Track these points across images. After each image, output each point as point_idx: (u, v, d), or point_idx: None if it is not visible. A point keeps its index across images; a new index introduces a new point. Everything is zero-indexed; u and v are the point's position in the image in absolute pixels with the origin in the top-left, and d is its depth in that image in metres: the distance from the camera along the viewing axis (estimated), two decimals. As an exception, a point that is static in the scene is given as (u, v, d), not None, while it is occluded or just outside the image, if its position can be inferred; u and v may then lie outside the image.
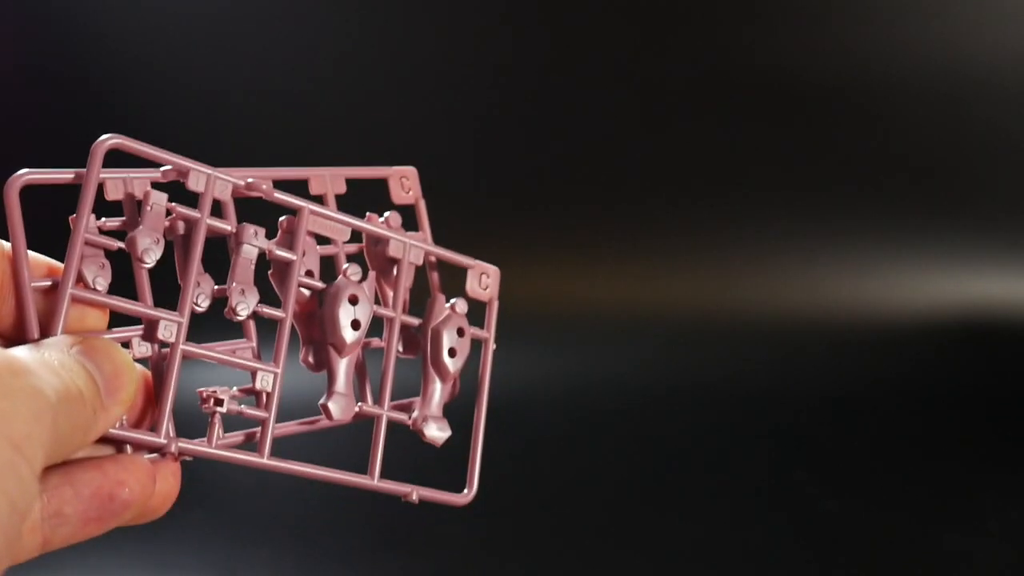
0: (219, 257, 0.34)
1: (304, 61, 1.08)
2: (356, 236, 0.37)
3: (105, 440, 0.30)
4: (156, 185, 0.32)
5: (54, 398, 0.25)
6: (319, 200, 0.37)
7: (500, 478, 0.90)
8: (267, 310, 0.33)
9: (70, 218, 0.30)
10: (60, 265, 0.30)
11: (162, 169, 0.32)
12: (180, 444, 0.32)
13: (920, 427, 0.99)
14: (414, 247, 0.37)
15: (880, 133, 1.17)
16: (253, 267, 0.33)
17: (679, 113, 1.14)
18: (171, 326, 0.31)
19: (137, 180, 0.32)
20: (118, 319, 0.32)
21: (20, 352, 0.27)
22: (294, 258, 0.34)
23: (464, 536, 0.82)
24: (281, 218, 0.35)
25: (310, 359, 0.36)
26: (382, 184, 0.40)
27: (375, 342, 0.37)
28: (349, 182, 0.38)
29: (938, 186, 1.17)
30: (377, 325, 0.36)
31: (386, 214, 0.38)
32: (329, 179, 0.38)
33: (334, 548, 0.81)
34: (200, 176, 0.32)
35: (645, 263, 1.14)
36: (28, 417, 0.24)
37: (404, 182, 0.40)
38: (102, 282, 0.31)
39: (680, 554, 0.80)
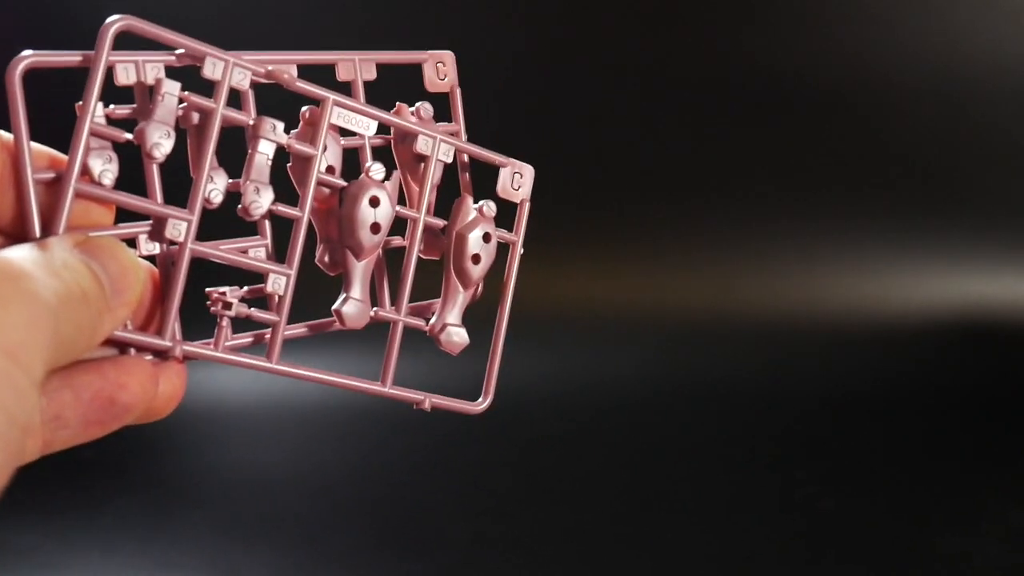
0: (234, 149, 0.32)
1: None
2: (384, 128, 0.34)
3: (109, 342, 0.28)
4: (169, 71, 0.30)
5: (54, 301, 0.24)
6: (346, 87, 0.34)
7: (500, 478, 0.91)
8: (283, 209, 0.32)
9: (76, 105, 0.28)
10: (63, 157, 0.28)
11: (176, 53, 0.30)
12: (185, 347, 0.30)
13: (920, 427, 0.99)
14: (443, 143, 0.34)
15: (880, 133, 1.17)
16: (270, 164, 0.31)
17: (679, 113, 1.14)
18: (180, 225, 0.30)
19: (149, 65, 0.30)
20: (124, 214, 0.30)
21: (18, 253, 0.25)
22: (314, 153, 0.32)
23: (464, 536, 0.82)
24: (303, 109, 0.33)
25: (326, 259, 0.34)
26: (416, 72, 0.36)
27: (396, 241, 0.35)
28: (380, 68, 0.35)
29: (938, 186, 1.17)
30: (400, 223, 0.34)
31: (417, 104, 0.35)
32: (358, 64, 0.35)
33: (334, 548, 0.81)
34: (217, 62, 0.30)
35: (645, 263, 1.14)
36: (24, 324, 0.23)
37: (440, 68, 0.36)
38: (109, 176, 0.29)
39: (680, 554, 0.80)
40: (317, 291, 0.36)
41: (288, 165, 0.33)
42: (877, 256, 1.15)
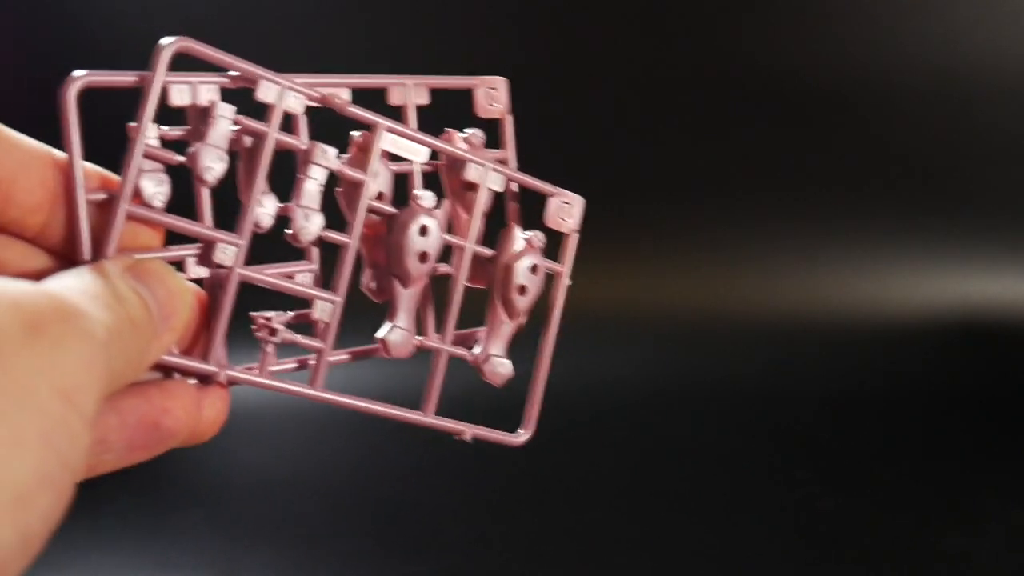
0: (282, 171, 0.32)
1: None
2: (434, 154, 0.34)
3: (154, 366, 0.28)
4: (223, 94, 0.30)
5: (106, 336, 0.24)
6: (397, 112, 0.34)
7: (500, 478, 0.91)
8: (332, 235, 0.31)
9: (129, 126, 0.28)
10: (116, 177, 0.28)
11: (230, 75, 0.30)
12: (229, 372, 0.30)
13: (920, 427, 0.99)
14: (493, 172, 0.34)
15: (880, 133, 1.17)
16: (321, 189, 0.31)
17: (679, 113, 1.14)
18: (229, 249, 0.29)
19: (203, 87, 0.30)
20: (171, 236, 0.30)
21: (69, 285, 0.25)
22: (365, 179, 0.31)
23: (464, 536, 0.82)
24: (355, 134, 0.32)
25: (372, 285, 0.34)
26: (466, 97, 0.36)
27: (442, 268, 0.34)
28: (432, 93, 0.35)
29: (938, 186, 1.17)
30: (447, 249, 0.34)
31: (467, 131, 0.35)
32: (411, 88, 0.34)
33: (334, 548, 0.81)
34: (271, 86, 0.30)
35: (645, 263, 1.14)
36: (79, 365, 0.23)
37: (492, 93, 0.36)
38: (160, 198, 0.29)
39: (680, 554, 0.80)
40: (358, 314, 0.35)
41: (337, 190, 0.32)
42: (877, 256, 1.15)
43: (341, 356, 0.33)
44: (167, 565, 0.79)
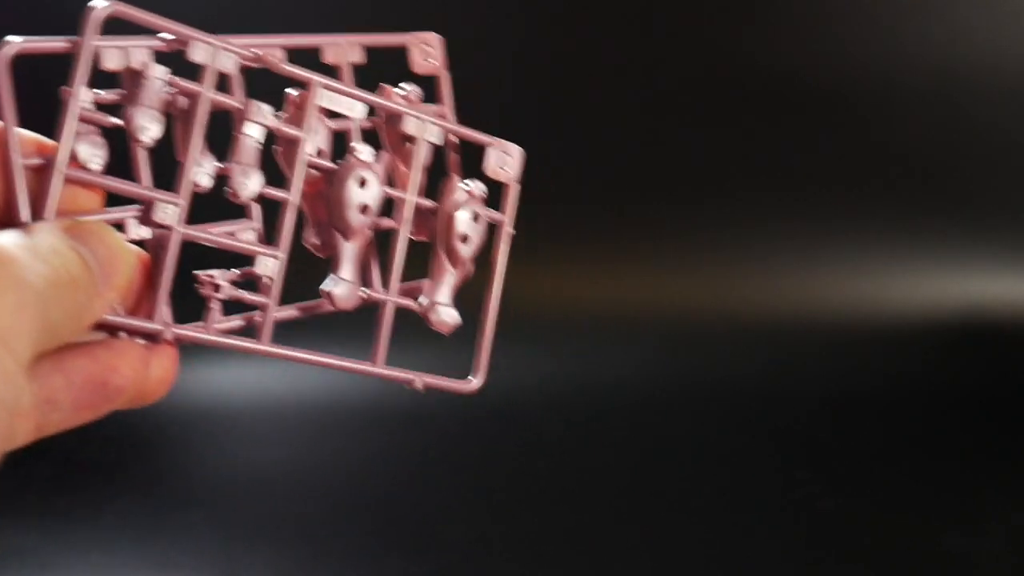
0: (223, 133, 0.32)
1: None
2: (373, 111, 0.34)
3: (99, 326, 0.28)
4: (157, 56, 0.30)
5: (42, 286, 0.25)
6: (333, 70, 0.34)
7: (500, 478, 0.91)
8: (272, 191, 0.32)
9: (63, 90, 0.28)
10: (51, 143, 0.28)
11: (163, 38, 0.30)
12: (176, 330, 0.30)
13: (920, 427, 0.99)
14: (431, 124, 0.34)
15: (880, 133, 1.17)
16: (259, 147, 0.31)
17: (679, 113, 1.14)
18: (169, 208, 0.30)
19: (136, 50, 0.30)
20: (113, 199, 0.30)
21: (4, 239, 0.25)
22: (302, 136, 0.32)
23: (464, 536, 0.82)
24: (290, 92, 0.33)
25: (315, 240, 0.34)
26: (402, 54, 0.36)
27: (385, 222, 0.35)
28: (370, 53, 0.35)
29: (938, 186, 1.17)
30: (391, 206, 0.34)
31: (404, 86, 0.36)
32: (345, 47, 0.35)
33: (334, 548, 0.81)
34: (203, 46, 0.30)
35: (645, 263, 1.14)
36: (12, 309, 0.24)
37: (426, 49, 0.37)
38: (97, 161, 0.29)
39: (680, 554, 0.80)
40: (310, 276, 0.35)
41: (276, 148, 0.33)
42: (877, 256, 1.15)
43: (288, 312, 0.33)
44: (167, 565, 0.79)
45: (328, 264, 0.34)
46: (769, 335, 1.09)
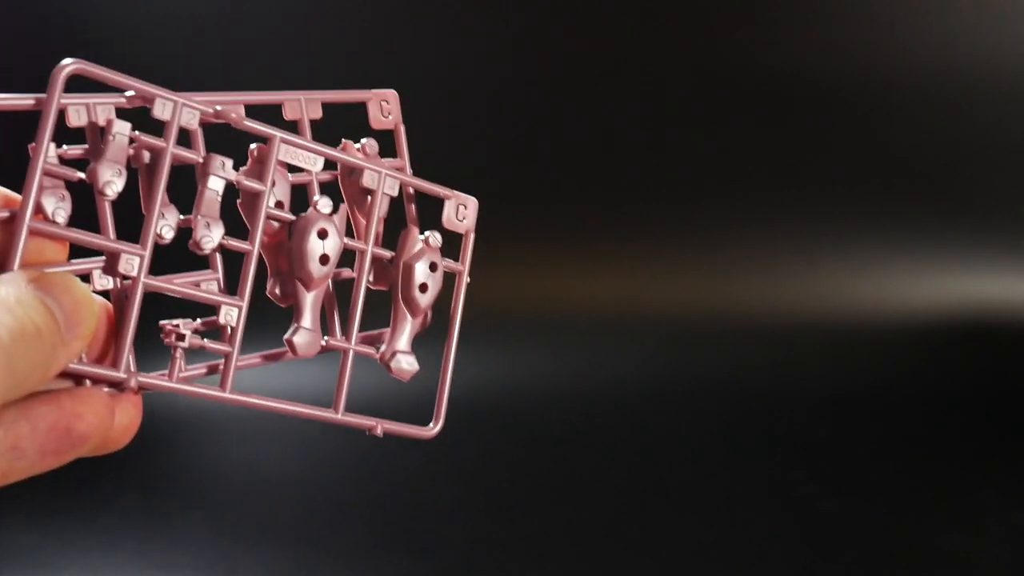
0: (186, 186, 0.33)
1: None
2: (331, 164, 0.35)
3: (64, 374, 0.29)
4: (120, 112, 0.31)
5: (7, 338, 0.25)
6: (293, 126, 0.36)
7: (500, 478, 0.91)
8: (234, 243, 0.33)
9: (29, 146, 0.29)
10: (17, 196, 0.29)
11: (126, 95, 0.31)
12: (140, 378, 0.31)
13: (920, 427, 0.99)
14: (389, 177, 0.36)
15: (880, 133, 1.17)
16: (220, 199, 0.32)
17: (679, 113, 1.14)
18: (133, 259, 0.30)
19: (100, 106, 0.31)
20: (79, 252, 0.31)
21: None
22: (263, 189, 0.33)
23: (464, 536, 0.82)
24: (251, 146, 0.34)
25: (276, 291, 0.35)
26: (361, 109, 0.38)
27: (346, 273, 0.36)
28: (325, 107, 0.36)
29: (938, 186, 1.18)
30: (349, 255, 0.35)
31: (362, 141, 0.37)
32: (304, 103, 0.36)
33: (334, 548, 0.81)
34: (166, 103, 0.31)
35: (645, 263, 1.14)
36: None
37: (384, 105, 0.38)
38: (62, 214, 0.30)
39: (680, 553, 0.80)
40: (271, 323, 0.37)
41: (238, 201, 0.34)
42: (877, 256, 1.15)
43: (250, 359, 0.34)
44: (167, 565, 0.79)
45: (289, 313, 0.35)
46: (769, 335, 1.09)
